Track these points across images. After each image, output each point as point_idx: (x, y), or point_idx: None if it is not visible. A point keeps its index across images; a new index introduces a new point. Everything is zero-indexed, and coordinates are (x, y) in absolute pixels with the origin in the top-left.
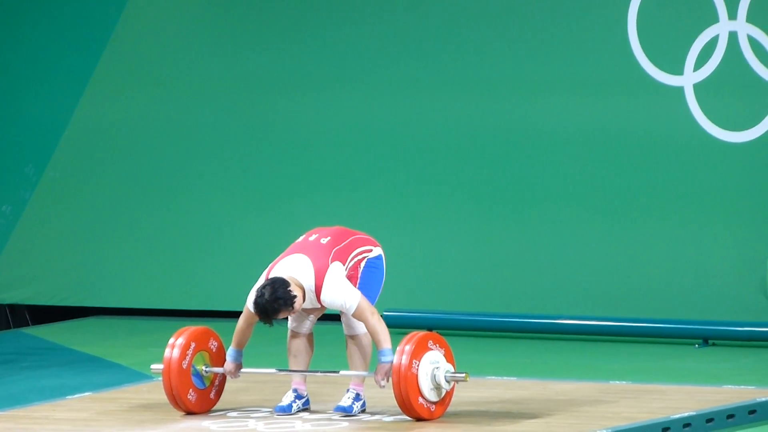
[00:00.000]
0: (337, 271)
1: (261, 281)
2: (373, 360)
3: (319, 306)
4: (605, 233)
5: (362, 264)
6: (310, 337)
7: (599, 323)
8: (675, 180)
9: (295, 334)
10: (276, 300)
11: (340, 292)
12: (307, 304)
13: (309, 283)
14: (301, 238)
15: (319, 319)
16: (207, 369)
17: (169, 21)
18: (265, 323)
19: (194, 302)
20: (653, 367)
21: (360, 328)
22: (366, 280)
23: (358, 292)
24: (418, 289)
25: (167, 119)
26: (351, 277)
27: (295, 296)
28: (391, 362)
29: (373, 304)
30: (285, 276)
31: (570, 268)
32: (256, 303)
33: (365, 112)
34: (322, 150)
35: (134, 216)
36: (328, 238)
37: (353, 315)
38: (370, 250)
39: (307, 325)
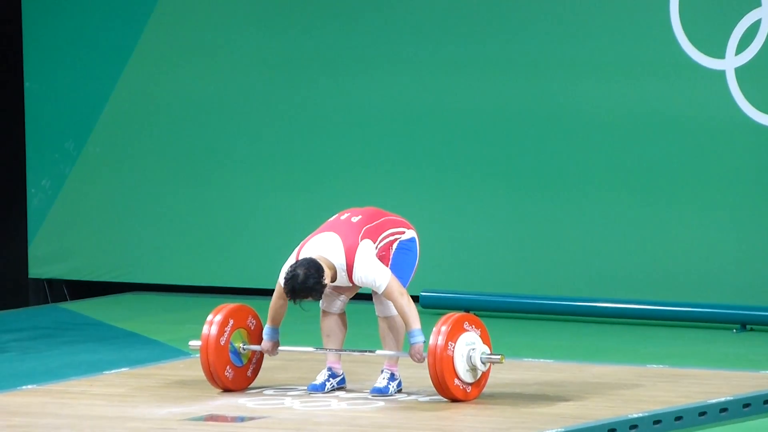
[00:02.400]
0: (367, 249)
1: (291, 260)
2: (406, 341)
3: (351, 285)
4: (644, 216)
5: (394, 246)
6: (342, 317)
7: (637, 307)
8: (715, 164)
9: (327, 314)
10: (305, 288)
11: (371, 270)
12: (339, 282)
13: (340, 262)
14: (333, 217)
15: (354, 299)
16: (245, 346)
17: (209, 0)
18: (289, 300)
19: (231, 279)
20: (691, 351)
21: (392, 308)
22: (397, 261)
23: (389, 271)
24: (455, 270)
25: (206, 96)
26: (382, 258)
27: (324, 286)
28: (422, 342)
29: (404, 286)
30: (315, 255)
31: (608, 252)
32: (287, 281)
33: (401, 93)
34: (359, 130)
35: (173, 192)
36: (360, 216)
37: (382, 294)
38: (403, 232)
39: (338, 304)
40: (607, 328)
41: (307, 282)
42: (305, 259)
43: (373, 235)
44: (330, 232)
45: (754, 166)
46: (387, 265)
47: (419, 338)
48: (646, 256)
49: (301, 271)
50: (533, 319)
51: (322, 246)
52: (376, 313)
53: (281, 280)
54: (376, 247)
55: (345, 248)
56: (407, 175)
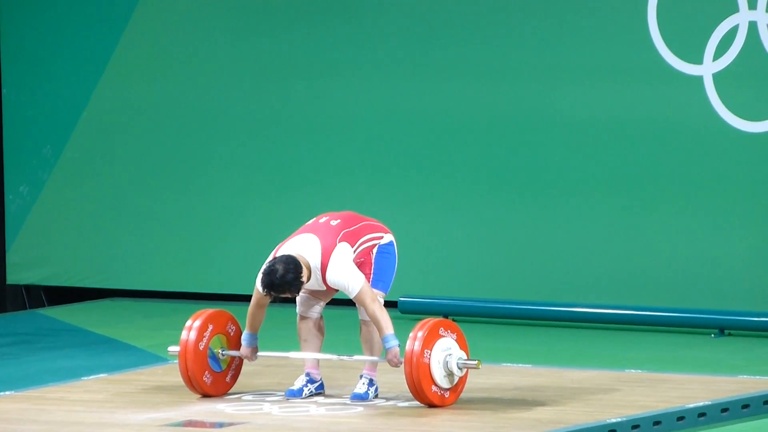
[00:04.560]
0: (343, 251)
1: (270, 261)
2: None
3: (325, 287)
4: (622, 221)
5: (374, 251)
6: (319, 322)
7: (615, 312)
8: (693, 169)
9: (304, 319)
10: (284, 283)
11: (344, 273)
12: (314, 285)
13: (315, 262)
14: (311, 221)
15: (334, 304)
16: (224, 352)
17: (189, 5)
18: (266, 295)
19: (210, 285)
20: (669, 356)
21: None
22: (379, 266)
23: (362, 276)
24: (433, 276)
25: (185, 102)
26: (363, 263)
27: (302, 283)
28: (398, 345)
29: (387, 290)
30: (294, 253)
31: (586, 256)
32: (265, 275)
33: (382, 98)
34: (339, 135)
35: (151, 198)
36: (338, 220)
37: (354, 298)
38: (381, 237)
39: (317, 309)
40: (585, 332)
41: (286, 277)
42: (284, 255)
43: (351, 240)
44: (308, 234)
45: (731, 170)
46: (369, 271)
47: (393, 343)
48: (625, 260)
49: (279, 267)
50: (512, 324)
51: (300, 245)
52: (359, 317)
53: (258, 285)
54: (354, 252)
55: (322, 248)
56: (386, 180)
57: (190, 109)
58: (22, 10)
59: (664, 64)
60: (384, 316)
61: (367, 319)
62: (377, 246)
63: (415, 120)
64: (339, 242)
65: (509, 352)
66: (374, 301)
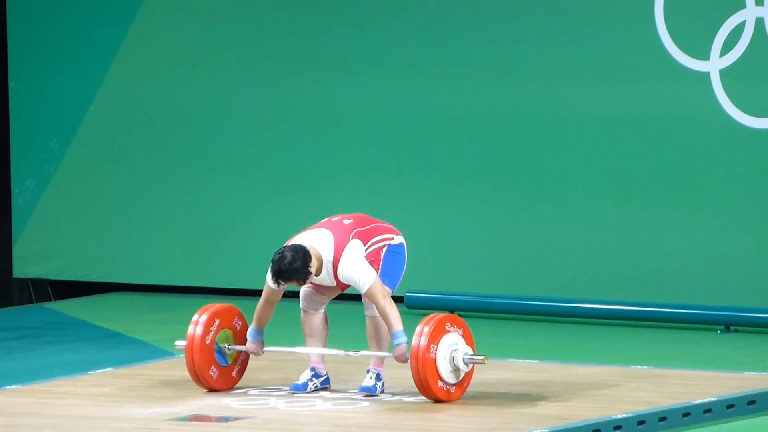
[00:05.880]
0: (356, 248)
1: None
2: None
3: (336, 283)
4: (628, 217)
5: (384, 250)
6: (324, 316)
7: (621, 308)
8: (700, 165)
9: (308, 314)
10: (291, 270)
11: (357, 268)
12: (325, 280)
13: (328, 256)
14: (322, 220)
15: (339, 299)
16: (230, 347)
17: (195, 0)
18: (275, 284)
19: (217, 280)
20: (675, 352)
21: None
22: (388, 264)
23: (374, 272)
24: (440, 271)
25: (192, 97)
26: (373, 262)
27: (310, 273)
28: (406, 343)
29: (394, 289)
30: (306, 244)
31: (593, 252)
32: (274, 262)
33: (390, 95)
34: (347, 131)
35: (158, 192)
36: (351, 220)
37: (365, 294)
38: (392, 238)
39: (321, 305)
40: (592, 328)
41: (294, 264)
42: (294, 244)
43: (363, 238)
44: (321, 229)
45: (737, 167)
46: (377, 267)
47: (402, 339)
48: (631, 257)
49: (289, 254)
50: (518, 319)
51: (313, 238)
52: (365, 312)
53: (269, 279)
54: (366, 250)
55: (335, 244)
56: (393, 176)
57: (197, 104)
58: (29, 5)
59: (671, 60)
60: (394, 313)
61: (374, 314)
62: (387, 246)
63: (423, 117)
64: (352, 239)
65: (515, 347)
66: (385, 297)
